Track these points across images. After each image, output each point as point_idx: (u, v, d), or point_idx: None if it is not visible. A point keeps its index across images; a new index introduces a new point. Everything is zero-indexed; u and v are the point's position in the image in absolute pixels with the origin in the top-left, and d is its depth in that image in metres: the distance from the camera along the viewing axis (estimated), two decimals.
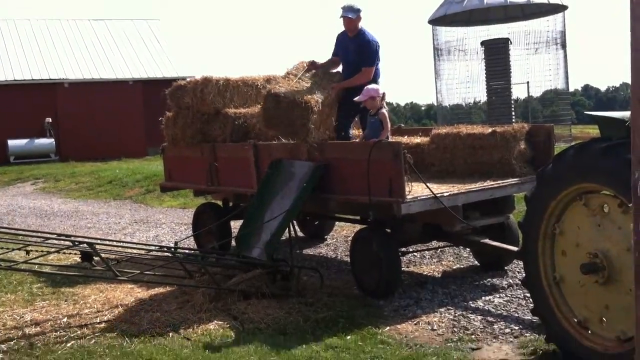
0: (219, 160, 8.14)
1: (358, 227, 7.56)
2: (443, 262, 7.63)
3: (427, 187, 5.97)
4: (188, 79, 8.89)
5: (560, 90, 22.26)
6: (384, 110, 6.80)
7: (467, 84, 21.99)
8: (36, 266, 6.85)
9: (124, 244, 7.53)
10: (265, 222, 6.63)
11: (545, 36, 21.40)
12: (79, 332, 5.62)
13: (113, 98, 30.40)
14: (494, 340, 5.11)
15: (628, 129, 2.87)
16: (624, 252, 3.92)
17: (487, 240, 6.51)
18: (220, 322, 5.66)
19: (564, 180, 4.28)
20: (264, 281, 6.29)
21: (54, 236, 6.66)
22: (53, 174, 21.89)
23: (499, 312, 5.77)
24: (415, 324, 5.59)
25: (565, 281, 4.39)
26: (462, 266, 7.44)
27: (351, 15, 7.23)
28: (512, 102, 20.54)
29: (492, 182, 6.49)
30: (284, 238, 6.87)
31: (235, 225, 8.41)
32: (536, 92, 22.91)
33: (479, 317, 5.63)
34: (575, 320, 4.32)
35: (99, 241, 6.65)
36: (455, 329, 5.40)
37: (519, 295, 6.13)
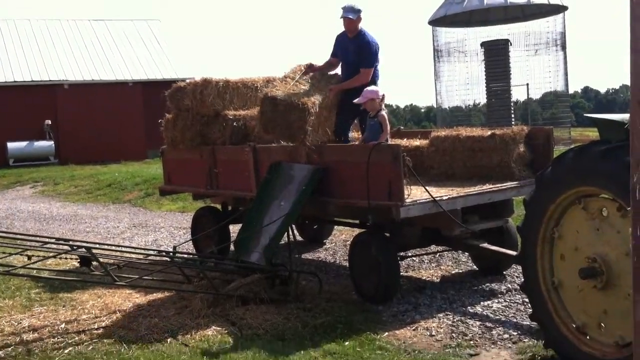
0: (218, 163, 8.10)
1: (357, 231, 7.53)
2: (442, 267, 7.61)
3: (426, 190, 5.94)
4: (188, 80, 8.83)
5: (560, 92, 22.23)
6: (384, 113, 6.78)
7: (466, 86, 22.00)
8: (34, 271, 6.82)
9: (123, 249, 7.51)
10: (264, 226, 6.60)
11: (545, 37, 21.39)
12: (76, 338, 5.59)
13: (113, 99, 30.36)
14: (492, 346, 5.09)
15: (627, 132, 2.85)
16: (622, 256, 3.90)
17: (486, 245, 6.48)
18: (218, 328, 5.64)
19: (563, 183, 4.26)
20: (263, 286, 6.26)
21: (53, 240, 6.64)
22: (52, 177, 21.87)
23: (497, 317, 5.75)
24: (414, 330, 5.56)
25: (564, 286, 4.37)
26: (460, 271, 7.41)
27: (351, 16, 7.21)
28: (512, 104, 20.52)
29: (491, 186, 6.45)
30: (282, 242, 6.85)
31: (234, 229, 8.39)
32: (536, 94, 22.89)
33: (478, 323, 5.60)
34: (574, 325, 4.29)
35: (97, 246, 6.63)
36: (453, 335, 5.37)
37: (517, 300, 6.10)
